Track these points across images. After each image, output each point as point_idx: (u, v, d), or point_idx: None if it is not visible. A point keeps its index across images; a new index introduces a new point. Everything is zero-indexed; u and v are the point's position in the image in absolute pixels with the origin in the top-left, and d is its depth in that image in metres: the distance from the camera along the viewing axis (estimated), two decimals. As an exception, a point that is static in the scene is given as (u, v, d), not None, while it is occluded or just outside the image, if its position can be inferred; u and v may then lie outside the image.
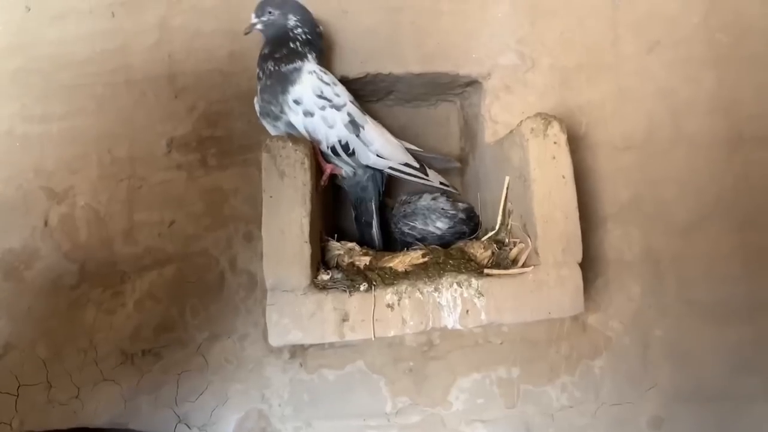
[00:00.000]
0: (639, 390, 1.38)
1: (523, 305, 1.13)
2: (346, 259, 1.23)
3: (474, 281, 1.12)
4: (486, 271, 1.16)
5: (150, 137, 1.41)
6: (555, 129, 1.16)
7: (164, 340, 1.36)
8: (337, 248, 1.25)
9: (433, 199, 1.54)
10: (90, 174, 1.39)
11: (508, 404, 1.38)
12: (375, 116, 1.56)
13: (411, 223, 1.50)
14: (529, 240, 1.17)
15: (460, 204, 1.57)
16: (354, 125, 1.26)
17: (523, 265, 1.17)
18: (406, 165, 1.37)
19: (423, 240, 1.49)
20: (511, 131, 1.25)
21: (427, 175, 1.40)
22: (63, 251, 1.36)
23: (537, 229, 1.14)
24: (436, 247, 1.22)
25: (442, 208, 1.52)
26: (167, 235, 1.38)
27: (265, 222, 1.11)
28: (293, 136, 1.15)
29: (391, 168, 1.35)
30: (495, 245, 1.24)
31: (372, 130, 1.29)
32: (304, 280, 1.10)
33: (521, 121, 1.19)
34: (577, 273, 1.14)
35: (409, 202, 1.54)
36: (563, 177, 1.15)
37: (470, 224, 1.53)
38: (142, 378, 1.34)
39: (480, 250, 1.22)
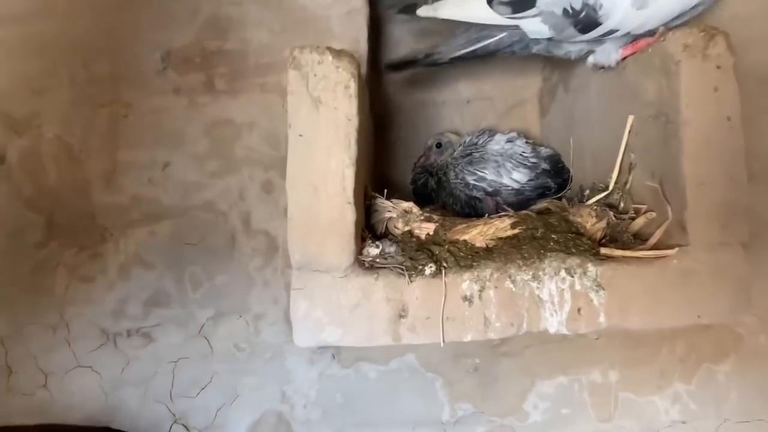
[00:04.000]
0: (775, 405, 1.04)
1: (661, 305, 0.78)
2: (401, 226, 0.88)
3: (591, 267, 0.77)
4: (604, 251, 0.81)
5: (139, 49, 1.06)
6: (720, 47, 0.79)
7: (156, 317, 1.05)
8: (389, 209, 0.91)
9: (509, 141, 1.17)
10: (60, 97, 1.05)
11: (602, 416, 1.05)
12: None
13: (479, 173, 1.14)
14: (668, 208, 0.81)
15: (542, 149, 1.20)
16: None
17: (658, 245, 0.81)
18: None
19: (494, 195, 1.14)
20: (642, 51, 0.87)
21: None
22: (24, 198, 1.04)
23: (686, 194, 0.78)
24: (530, 213, 0.86)
25: (522, 154, 1.16)
26: (161, 181, 1.05)
27: (291, 172, 0.76)
28: (333, 48, 0.78)
29: None
30: (610, 213, 0.88)
31: None
32: (346, 258, 0.77)
33: (666, 33, 0.81)
34: (742, 260, 0.79)
35: (476, 144, 1.17)
36: (728, 119, 0.78)
37: (557, 177, 1.17)
38: (128, 365, 1.04)
39: (590, 219, 0.87)
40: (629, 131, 0.91)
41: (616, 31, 0.87)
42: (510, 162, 1.14)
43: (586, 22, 0.87)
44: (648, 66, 0.85)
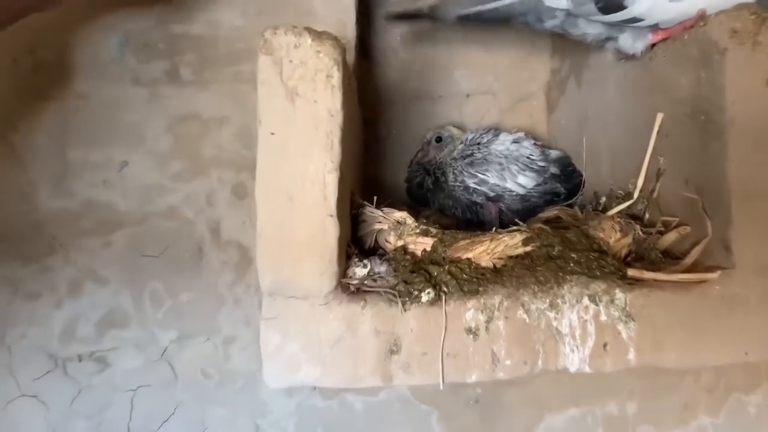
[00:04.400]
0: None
1: (701, 339, 0.66)
2: (393, 240, 0.75)
3: (619, 294, 0.65)
4: (632, 272, 0.68)
5: (92, 32, 0.91)
6: (773, 32, 0.66)
7: (112, 340, 0.91)
8: (378, 220, 0.78)
9: (515, 141, 1.04)
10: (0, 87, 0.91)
11: (618, 453, 0.93)
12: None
13: (480, 175, 1.01)
14: (708, 223, 0.69)
15: (551, 151, 1.08)
16: None
17: (695, 267, 0.69)
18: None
19: (496, 200, 1.01)
20: (675, 37, 0.75)
21: None
22: (-42, 202, 0.90)
23: (730, 207, 0.66)
24: (545, 227, 0.73)
25: (529, 156, 1.03)
26: (117, 183, 0.91)
27: (261, 178, 0.64)
28: (313, 29, 0.65)
29: None
30: (637, 227, 0.75)
31: None
32: (327, 281, 0.64)
33: (706, 17, 0.69)
34: (798, 287, 0.66)
35: (478, 143, 1.05)
36: (782, 118, 0.66)
37: (567, 182, 1.04)
38: (79, 395, 0.91)
39: (614, 234, 0.74)
40: (657, 132, 0.78)
41: (641, 20, 0.75)
42: (515, 165, 1.01)
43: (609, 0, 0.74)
44: (683, 55, 0.72)
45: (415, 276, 0.67)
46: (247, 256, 0.92)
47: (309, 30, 0.64)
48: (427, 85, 1.18)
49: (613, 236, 0.74)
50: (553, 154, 1.07)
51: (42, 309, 0.90)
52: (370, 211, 0.79)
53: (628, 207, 0.82)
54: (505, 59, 1.18)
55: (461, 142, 1.06)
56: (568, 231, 0.74)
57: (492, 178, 1.01)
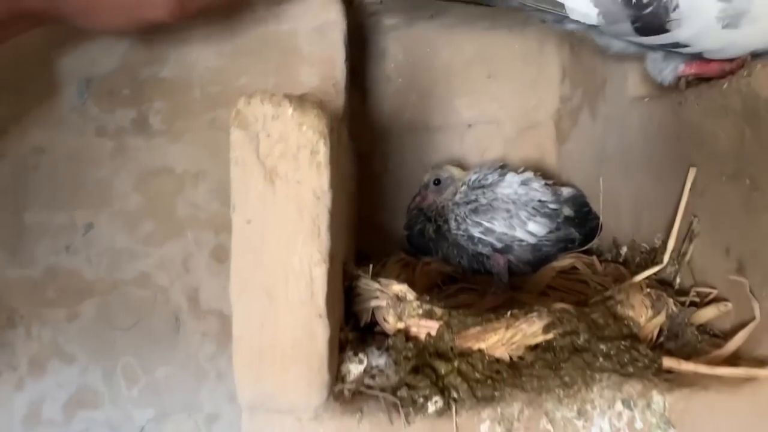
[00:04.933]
0: None
1: (754, 449, 0.56)
2: (393, 321, 0.66)
3: (656, 396, 0.56)
4: (667, 363, 0.59)
5: (49, 78, 0.81)
6: None
7: (82, 421, 0.82)
8: (375, 294, 0.68)
9: (524, 183, 0.94)
10: (-53, 141, 0.81)
11: None
12: (423, 42, 0.98)
13: (486, 224, 0.92)
14: (756, 306, 0.59)
15: (564, 190, 0.98)
16: None
17: (741, 355, 0.60)
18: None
19: (505, 252, 0.92)
20: (711, 78, 0.65)
21: None
22: None
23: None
24: (567, 308, 0.64)
25: (540, 200, 0.93)
26: (82, 248, 0.82)
27: (237, 274, 0.54)
28: (294, 96, 0.55)
29: None
30: (670, 301, 0.66)
31: None
32: (316, 393, 0.54)
33: (749, 63, 0.59)
34: None
35: (483, 187, 0.95)
36: None
37: (582, 226, 0.95)
38: (48, 483, 0.81)
39: (644, 311, 0.65)
40: (690, 188, 0.69)
41: (686, 46, 0.64)
42: (525, 211, 0.92)
43: (649, 21, 0.62)
44: (721, 106, 0.63)
45: (420, 377, 0.58)
46: (230, 325, 0.82)
47: (290, 98, 0.54)
48: (424, 116, 1.08)
49: (645, 314, 0.65)
50: (566, 192, 0.97)
51: (1, 390, 0.81)
52: (366, 283, 0.70)
53: (659, 271, 0.73)
54: (509, 85, 1.08)
55: (463, 184, 0.97)
56: (593, 310, 0.65)
57: (499, 227, 0.91)
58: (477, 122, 1.08)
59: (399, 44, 1.05)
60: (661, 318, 0.65)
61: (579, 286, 0.86)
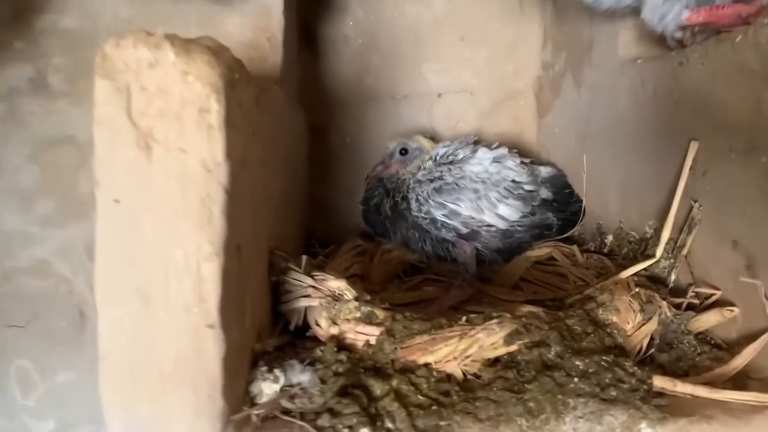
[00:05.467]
0: None
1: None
2: (325, 326, 0.53)
3: (646, 429, 0.43)
4: (658, 383, 0.47)
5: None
6: None
7: (-30, 434, 0.69)
8: (307, 291, 0.56)
9: (496, 161, 0.82)
10: None
11: None
12: None
13: (450, 205, 0.79)
14: (769, 310, 0.48)
15: (542, 169, 0.86)
16: None
17: (749, 374, 0.48)
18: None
19: (471, 238, 0.79)
20: (722, 28, 0.53)
21: None
22: None
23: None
24: (536, 311, 0.52)
25: (513, 180, 0.81)
26: (-34, 231, 0.69)
27: (102, 271, 0.41)
28: (178, 38, 0.42)
29: None
30: (663, 304, 0.54)
31: None
32: (206, 424, 0.42)
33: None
34: None
35: (450, 163, 0.82)
36: None
37: (561, 210, 0.83)
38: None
39: (631, 316, 0.53)
40: (691, 167, 0.56)
41: None
42: (495, 191, 0.79)
43: None
44: (733, 65, 0.50)
45: (348, 401, 0.46)
46: (145, 323, 0.69)
47: (172, 40, 0.41)
48: (388, 83, 0.95)
49: (632, 320, 0.53)
50: (544, 172, 0.85)
51: None
52: (297, 278, 0.57)
53: (652, 265, 0.61)
54: (484, 49, 0.95)
55: (429, 158, 0.84)
56: (568, 314, 0.53)
57: (465, 209, 0.79)
58: (448, 91, 0.96)
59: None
60: (652, 325, 0.53)
61: (556, 280, 0.74)
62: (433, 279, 0.84)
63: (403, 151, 0.87)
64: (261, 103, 0.53)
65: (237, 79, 0.44)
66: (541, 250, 0.79)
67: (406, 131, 0.94)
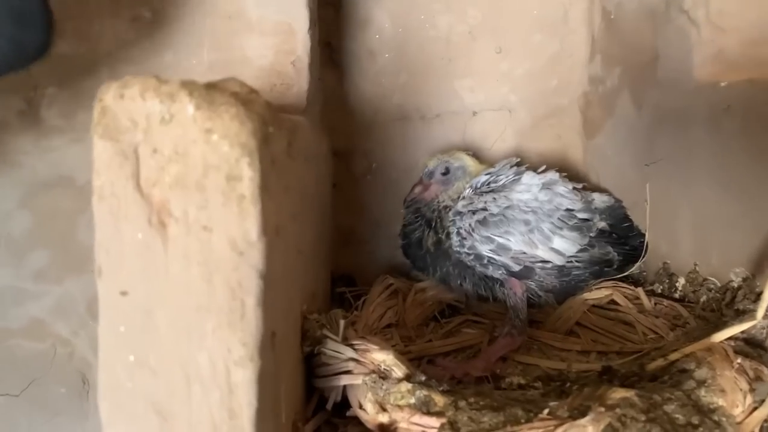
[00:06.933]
0: None
1: None
2: (372, 410, 0.45)
3: None
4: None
5: None
6: None
7: None
8: (347, 365, 0.48)
9: (546, 187, 0.73)
10: None
11: None
12: (416, 5, 0.76)
13: (498, 238, 0.70)
14: None
15: (595, 196, 0.77)
16: None
17: None
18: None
19: (525, 276, 0.70)
20: None
21: None
22: None
23: None
24: (630, 397, 0.43)
25: (568, 210, 0.72)
26: (-49, 288, 0.60)
27: (106, 378, 0.32)
28: (198, 85, 0.33)
29: None
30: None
31: None
32: None
33: None
34: None
35: (493, 191, 0.73)
36: None
37: (620, 244, 0.74)
38: None
39: (740, 398, 0.44)
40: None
41: None
42: (548, 222, 0.71)
43: None
44: None
45: None
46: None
47: (190, 88, 0.32)
48: (418, 101, 0.86)
49: (741, 402, 0.44)
50: (599, 201, 0.76)
51: None
52: (335, 348, 0.49)
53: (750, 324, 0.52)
54: (524, 62, 0.85)
55: (470, 186, 0.75)
56: (665, 397, 0.44)
57: (515, 244, 0.70)
58: (483, 109, 0.88)
59: (385, 9, 0.83)
60: (764, 411, 0.44)
61: (620, 328, 0.66)
62: (473, 321, 0.76)
63: (445, 172, 0.77)
64: (293, 149, 0.44)
65: (271, 134, 0.35)
66: (599, 292, 0.71)
67: (443, 149, 0.85)
